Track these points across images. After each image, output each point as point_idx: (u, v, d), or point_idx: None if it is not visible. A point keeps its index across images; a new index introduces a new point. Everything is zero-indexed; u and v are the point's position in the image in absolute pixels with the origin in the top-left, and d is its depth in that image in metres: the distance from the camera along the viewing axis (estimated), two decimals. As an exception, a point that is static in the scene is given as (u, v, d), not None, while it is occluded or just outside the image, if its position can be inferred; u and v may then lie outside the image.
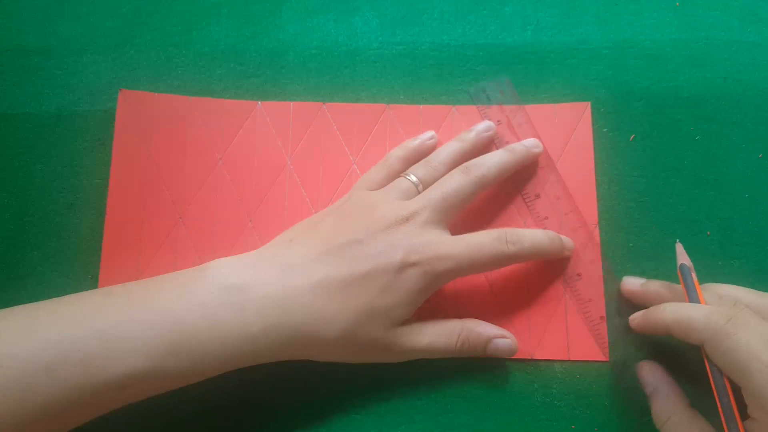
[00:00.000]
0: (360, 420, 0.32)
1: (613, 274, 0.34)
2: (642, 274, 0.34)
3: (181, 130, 0.37)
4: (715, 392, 0.27)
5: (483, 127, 0.35)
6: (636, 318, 0.30)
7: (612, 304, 0.33)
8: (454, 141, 0.34)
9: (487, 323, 0.32)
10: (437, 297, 0.32)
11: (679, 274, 0.30)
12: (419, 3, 0.39)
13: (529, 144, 0.35)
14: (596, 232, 0.34)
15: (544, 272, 0.34)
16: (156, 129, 0.36)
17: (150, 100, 0.37)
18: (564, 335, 0.33)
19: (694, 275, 0.29)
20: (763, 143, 0.36)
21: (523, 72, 0.37)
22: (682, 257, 0.30)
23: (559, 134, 0.36)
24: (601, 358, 0.33)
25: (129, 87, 0.37)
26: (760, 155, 0.35)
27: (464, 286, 0.34)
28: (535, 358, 0.33)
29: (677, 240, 0.31)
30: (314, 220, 0.32)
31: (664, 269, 0.33)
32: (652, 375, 0.30)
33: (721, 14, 0.38)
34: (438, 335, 0.31)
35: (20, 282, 0.35)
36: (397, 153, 0.34)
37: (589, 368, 0.33)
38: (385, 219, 0.30)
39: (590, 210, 0.35)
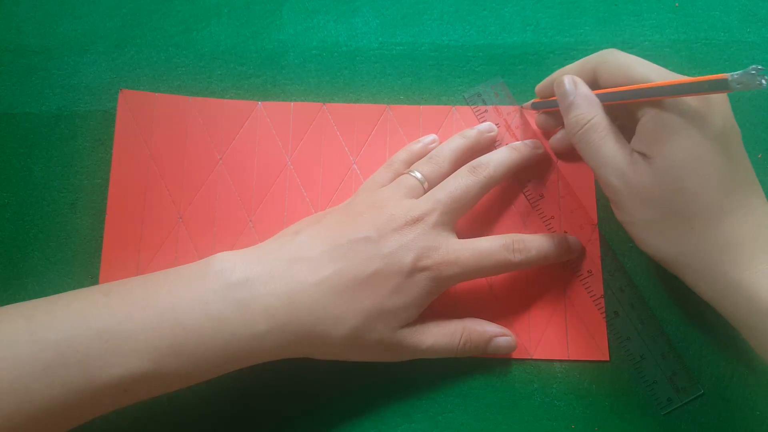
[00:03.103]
0: (360, 419, 0.32)
1: (614, 274, 0.34)
2: (643, 272, 0.34)
3: (181, 130, 0.37)
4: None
5: (485, 127, 0.35)
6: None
7: (612, 303, 0.33)
8: (457, 137, 0.34)
9: (487, 322, 0.32)
10: (438, 297, 0.32)
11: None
12: (419, 4, 0.39)
13: (532, 144, 0.35)
14: (596, 232, 0.34)
15: (544, 272, 0.34)
16: (156, 129, 0.36)
17: (150, 100, 0.37)
18: (563, 335, 0.33)
19: None
20: (762, 143, 0.36)
21: (523, 72, 0.37)
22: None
23: (559, 134, 0.36)
24: (601, 357, 0.33)
25: (129, 87, 0.37)
26: (760, 155, 0.35)
27: (464, 286, 0.34)
28: (535, 357, 0.33)
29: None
30: (320, 215, 0.32)
31: (663, 269, 0.33)
32: (572, 85, 0.30)
33: (721, 15, 0.38)
34: (441, 335, 0.31)
35: (21, 282, 0.35)
36: (401, 156, 0.34)
37: (588, 368, 0.33)
38: (395, 218, 0.30)
39: (590, 210, 0.35)
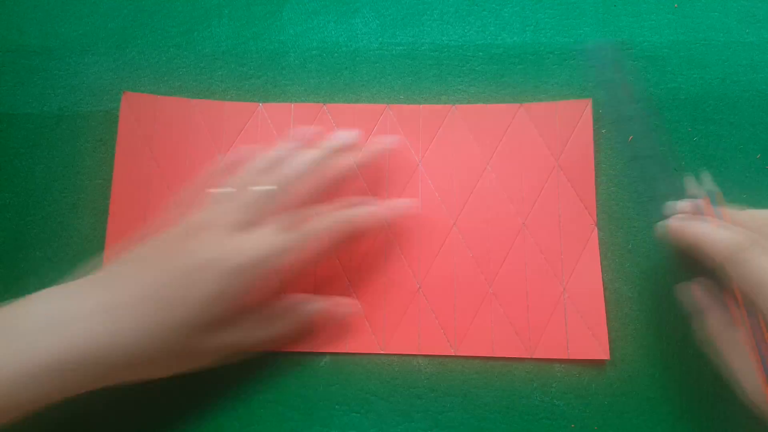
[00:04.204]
0: (359, 419, 0.32)
1: (613, 274, 0.34)
2: (641, 274, 0.34)
3: (183, 131, 0.37)
4: (744, 314, 0.28)
5: (341, 140, 0.34)
6: (671, 225, 0.31)
7: (611, 302, 0.33)
8: (309, 151, 0.33)
9: (311, 295, 0.33)
10: (431, 296, 0.33)
11: (707, 202, 0.31)
12: (419, 4, 0.39)
13: (401, 205, 0.34)
14: (595, 232, 0.34)
15: (544, 271, 0.34)
16: (158, 131, 0.37)
17: (152, 102, 0.37)
18: (563, 334, 0.33)
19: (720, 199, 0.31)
20: (760, 144, 0.36)
21: (522, 72, 0.37)
22: (708, 185, 0.33)
23: (560, 132, 0.36)
24: (601, 356, 0.33)
25: (130, 88, 0.37)
26: (758, 156, 0.35)
27: (463, 284, 0.34)
28: (535, 357, 0.33)
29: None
30: (137, 246, 0.30)
31: (662, 269, 0.34)
32: (701, 294, 0.31)
33: (720, 15, 0.38)
34: (258, 326, 0.30)
35: (22, 282, 0.35)
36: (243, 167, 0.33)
37: (588, 367, 0.33)
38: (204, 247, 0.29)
39: (590, 209, 0.35)
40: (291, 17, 0.39)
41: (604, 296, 0.33)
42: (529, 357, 0.33)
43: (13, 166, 0.37)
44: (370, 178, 0.36)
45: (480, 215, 0.35)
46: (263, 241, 0.29)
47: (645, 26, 0.38)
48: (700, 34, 0.38)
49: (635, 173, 0.35)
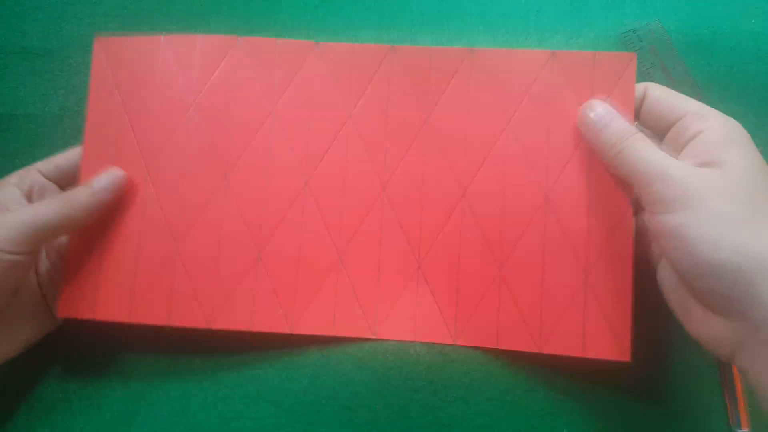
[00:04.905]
0: (350, 415, 0.31)
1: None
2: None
3: (152, 73, 0.33)
4: None
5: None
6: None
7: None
8: None
9: None
10: (433, 279, 0.31)
11: None
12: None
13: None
14: (630, 213, 0.30)
15: (565, 255, 0.30)
16: (129, 76, 0.33)
17: (127, 45, 0.33)
18: (580, 329, 0.30)
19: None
20: (766, 135, 0.35)
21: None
22: None
23: (597, 90, 0.31)
24: (620, 357, 0.29)
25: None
26: (760, 149, 0.35)
27: (469, 265, 0.31)
28: (545, 352, 0.30)
29: None
30: None
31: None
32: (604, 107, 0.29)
33: (726, 3, 0.38)
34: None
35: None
36: None
37: (593, 363, 0.31)
38: None
39: (626, 186, 0.30)
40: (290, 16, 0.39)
41: (633, 289, 0.29)
42: (537, 351, 0.30)
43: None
44: (366, 137, 0.32)
45: (494, 185, 0.31)
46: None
47: (650, 12, 0.38)
48: (707, 21, 0.38)
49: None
